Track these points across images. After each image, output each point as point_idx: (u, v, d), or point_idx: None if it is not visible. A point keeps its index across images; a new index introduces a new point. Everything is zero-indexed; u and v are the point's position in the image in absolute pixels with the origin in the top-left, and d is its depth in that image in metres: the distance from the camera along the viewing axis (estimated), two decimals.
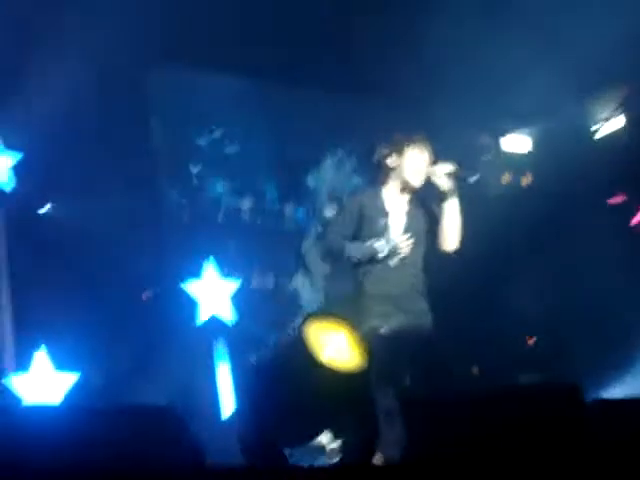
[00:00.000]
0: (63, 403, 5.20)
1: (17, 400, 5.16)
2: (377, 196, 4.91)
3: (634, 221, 6.48)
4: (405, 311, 4.83)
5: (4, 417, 3.30)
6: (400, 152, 4.88)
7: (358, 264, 4.82)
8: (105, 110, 6.10)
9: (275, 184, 7.11)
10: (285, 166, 7.11)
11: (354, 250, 4.78)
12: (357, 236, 4.84)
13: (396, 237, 4.81)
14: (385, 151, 4.91)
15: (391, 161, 4.88)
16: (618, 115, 6.32)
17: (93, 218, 6.17)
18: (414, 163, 4.86)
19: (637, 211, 6.44)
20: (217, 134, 6.88)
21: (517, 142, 6.58)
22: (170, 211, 6.74)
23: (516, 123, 6.61)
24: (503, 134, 6.61)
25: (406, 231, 4.86)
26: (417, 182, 4.85)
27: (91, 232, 6.16)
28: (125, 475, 2.43)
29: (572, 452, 2.79)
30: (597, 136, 6.45)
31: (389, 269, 4.81)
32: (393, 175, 4.91)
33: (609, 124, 6.39)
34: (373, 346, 4.54)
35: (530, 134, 6.57)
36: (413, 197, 4.94)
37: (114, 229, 6.17)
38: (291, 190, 7.12)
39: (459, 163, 4.82)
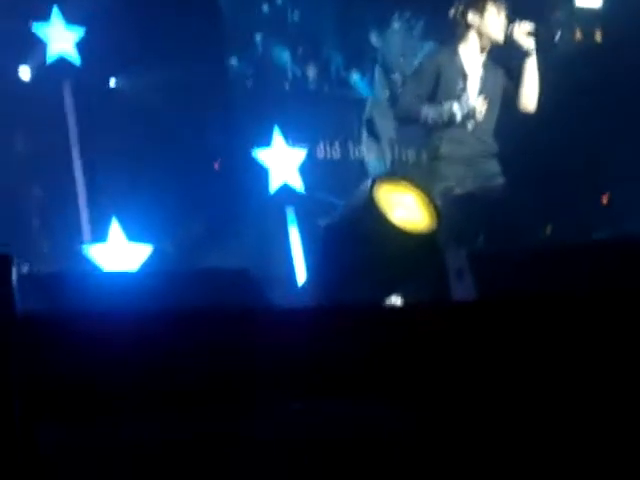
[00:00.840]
0: (140, 271, 5.32)
1: (96, 267, 5.29)
2: (455, 56, 4.85)
3: None
4: (479, 173, 4.85)
5: (85, 281, 3.40)
6: (480, 7, 4.78)
7: (434, 127, 4.79)
8: None
9: (341, 51, 7.00)
10: (351, 32, 6.98)
11: (432, 112, 4.74)
12: (433, 97, 4.80)
13: (474, 98, 4.77)
14: (464, 6, 4.81)
15: (471, 17, 4.79)
16: None
17: (159, 90, 6.18)
18: (494, 18, 4.78)
19: None
20: (280, 0, 6.77)
21: None
22: (235, 81, 6.70)
23: None
24: None
25: (483, 92, 4.82)
26: (498, 38, 4.77)
27: (158, 104, 6.18)
28: (201, 337, 2.46)
29: None
30: None
31: (465, 131, 4.80)
32: (472, 33, 4.83)
33: None
34: (446, 207, 4.56)
35: None
36: (490, 57, 4.87)
37: (180, 100, 6.18)
38: (357, 56, 7.01)
39: (538, 20, 4.74)
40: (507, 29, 4.76)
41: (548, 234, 6.18)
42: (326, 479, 2.05)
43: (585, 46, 6.30)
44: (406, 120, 5.08)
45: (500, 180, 4.97)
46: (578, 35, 6.34)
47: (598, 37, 6.35)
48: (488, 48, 4.86)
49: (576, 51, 6.25)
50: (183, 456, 2.07)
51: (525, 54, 4.78)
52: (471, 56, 4.86)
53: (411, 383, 1.98)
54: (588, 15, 6.29)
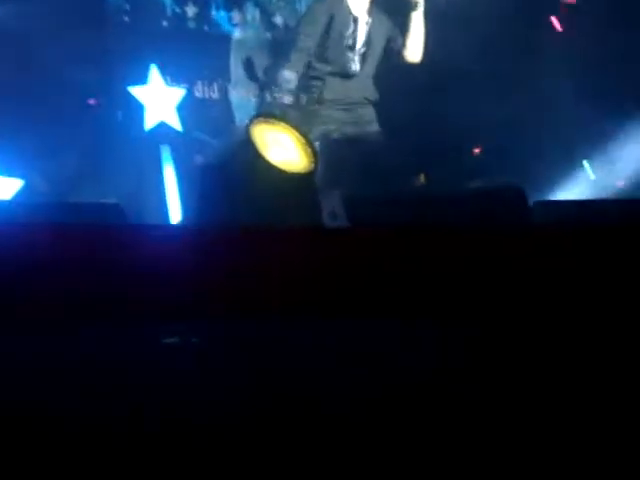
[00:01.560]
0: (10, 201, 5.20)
1: None
2: (344, 1, 4.84)
3: None
4: (358, 119, 4.91)
5: None
6: None
7: (318, 71, 4.81)
8: None
9: None
10: None
11: (287, 77, 4.72)
12: (326, 41, 4.79)
13: (360, 44, 4.81)
14: None
15: None
16: None
17: (33, 21, 5.99)
18: None
19: None
20: None
21: None
22: (113, 16, 6.54)
23: None
24: None
25: (369, 39, 4.85)
26: None
27: (32, 36, 6.00)
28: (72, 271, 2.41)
29: (517, 250, 2.84)
30: None
31: (349, 77, 4.83)
32: None
33: None
34: (324, 149, 4.61)
35: None
36: (376, 4, 4.89)
37: (56, 34, 6.01)
38: None
39: None
40: None
41: (422, 182, 6.28)
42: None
43: None
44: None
45: (376, 127, 5.05)
46: None
47: None
48: None
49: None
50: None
51: (413, 5, 4.81)
52: (359, 2, 4.87)
53: (287, 301, 2.00)
54: None
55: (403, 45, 4.93)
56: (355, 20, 4.85)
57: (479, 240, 2.63)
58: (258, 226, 2.10)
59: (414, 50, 4.95)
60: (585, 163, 6.08)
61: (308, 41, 4.79)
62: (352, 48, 4.83)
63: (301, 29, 4.92)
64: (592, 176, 6.06)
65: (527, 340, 2.42)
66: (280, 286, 2.04)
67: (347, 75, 4.86)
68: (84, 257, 2.09)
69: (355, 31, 4.86)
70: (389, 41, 4.97)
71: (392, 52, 4.97)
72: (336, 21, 4.81)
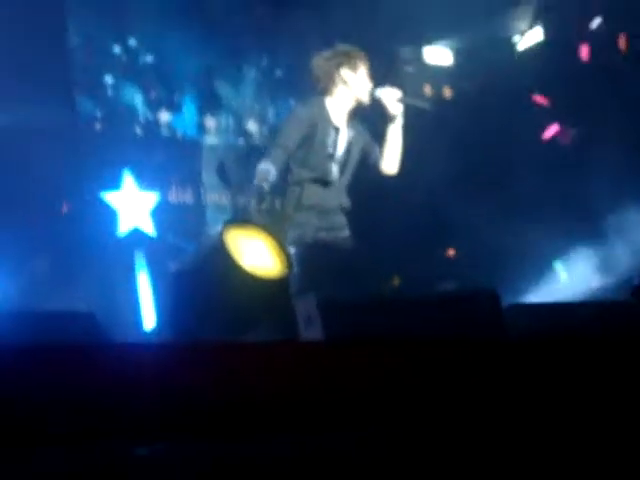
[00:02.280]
0: None
1: None
2: (325, 108, 4.89)
3: (546, 135, 6.61)
4: (331, 225, 4.92)
5: None
6: (352, 64, 4.82)
7: (296, 177, 4.83)
8: (17, 13, 5.91)
9: (195, 96, 7.00)
10: (205, 78, 7.00)
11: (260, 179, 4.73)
12: (310, 147, 4.81)
13: (340, 153, 4.85)
14: (338, 61, 4.83)
15: (344, 72, 4.82)
16: (537, 26, 6.39)
17: (4, 130, 6.02)
18: (365, 79, 4.85)
19: (551, 124, 6.59)
20: (133, 42, 6.72)
21: (439, 54, 6.58)
22: (85, 123, 6.59)
23: (438, 35, 6.60)
24: (425, 45, 6.60)
25: (349, 149, 4.89)
26: (365, 99, 4.85)
27: (3, 144, 6.02)
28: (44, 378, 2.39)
29: (490, 353, 2.85)
30: (517, 48, 6.52)
31: (327, 184, 4.85)
32: (341, 89, 4.86)
33: (529, 35, 6.46)
34: (299, 255, 4.59)
35: (452, 46, 6.58)
36: (353, 115, 4.95)
37: (27, 140, 6.03)
38: (212, 103, 7.02)
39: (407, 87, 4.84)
40: (374, 91, 4.83)
41: (395, 285, 6.30)
42: None
43: (434, 102, 6.50)
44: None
45: (347, 232, 5.07)
46: (427, 90, 6.52)
47: (447, 93, 6.55)
48: (353, 106, 4.93)
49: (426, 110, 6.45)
50: None
51: (393, 119, 4.86)
52: (339, 111, 4.93)
53: (269, 418, 1.97)
54: (437, 71, 6.50)
55: (380, 157, 4.97)
56: (336, 130, 4.90)
57: (453, 352, 2.63)
58: (228, 342, 2.08)
59: (390, 163, 4.98)
60: (557, 264, 6.13)
61: (288, 141, 4.81)
62: (332, 157, 4.86)
63: (283, 128, 4.95)
64: (564, 276, 6.10)
65: (505, 451, 2.41)
66: (250, 403, 2.01)
67: (326, 183, 4.89)
68: (56, 376, 2.05)
69: (336, 141, 4.89)
70: (365, 153, 5.01)
71: (368, 164, 5.01)
72: (319, 129, 4.85)
